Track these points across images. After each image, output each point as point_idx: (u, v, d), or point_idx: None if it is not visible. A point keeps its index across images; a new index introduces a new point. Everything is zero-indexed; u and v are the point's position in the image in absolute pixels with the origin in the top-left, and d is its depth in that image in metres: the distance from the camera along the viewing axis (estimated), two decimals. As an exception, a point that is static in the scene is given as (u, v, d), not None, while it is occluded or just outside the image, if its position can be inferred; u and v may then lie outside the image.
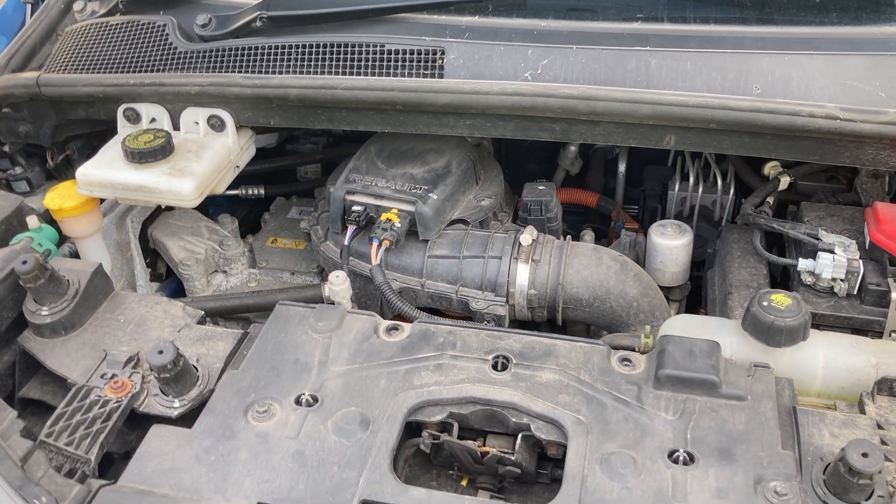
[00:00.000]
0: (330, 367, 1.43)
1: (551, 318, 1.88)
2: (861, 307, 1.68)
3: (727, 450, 1.25)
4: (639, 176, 2.50)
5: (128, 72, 2.00)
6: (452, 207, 1.94)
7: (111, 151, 1.95)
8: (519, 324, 1.90)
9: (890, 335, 1.65)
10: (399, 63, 1.85)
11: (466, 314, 1.89)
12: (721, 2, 1.92)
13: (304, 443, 1.29)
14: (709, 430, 1.28)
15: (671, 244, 1.99)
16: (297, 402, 1.36)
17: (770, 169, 2.05)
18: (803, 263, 1.73)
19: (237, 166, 2.04)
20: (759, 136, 1.70)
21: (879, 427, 1.30)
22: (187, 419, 1.38)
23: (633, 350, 1.51)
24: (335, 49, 1.89)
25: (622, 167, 2.41)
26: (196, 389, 1.42)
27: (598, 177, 2.51)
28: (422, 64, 1.84)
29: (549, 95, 1.72)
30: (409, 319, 1.70)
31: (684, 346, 1.39)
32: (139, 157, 1.87)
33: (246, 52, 1.94)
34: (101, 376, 1.44)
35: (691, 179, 2.25)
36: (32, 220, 1.86)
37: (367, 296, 1.96)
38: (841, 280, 1.69)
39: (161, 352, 1.35)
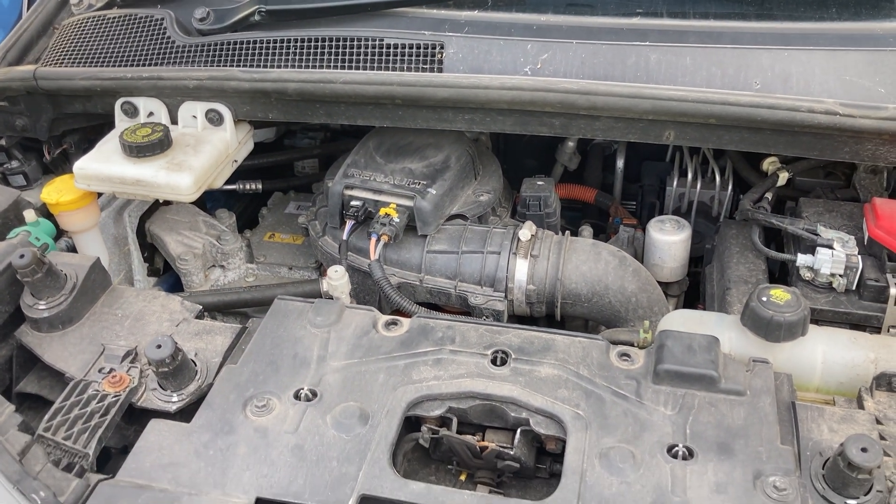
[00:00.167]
0: (329, 361, 1.43)
1: (550, 313, 1.88)
2: (859, 302, 1.68)
3: (726, 445, 1.25)
4: (637, 172, 2.50)
5: (125, 65, 2.00)
6: (451, 202, 1.94)
7: (109, 145, 1.94)
8: (517, 319, 1.90)
9: (888, 330, 1.65)
10: (398, 57, 1.85)
11: (465, 309, 1.89)
12: (720, -3, 1.92)
13: (303, 437, 1.29)
14: (708, 425, 1.28)
15: (670, 240, 1.99)
16: (296, 396, 1.36)
17: (769, 164, 2.05)
18: (802, 259, 1.73)
19: (235, 161, 2.03)
20: (758, 132, 1.70)
21: (878, 422, 1.30)
22: (186, 414, 1.37)
23: (632, 345, 1.51)
24: (334, 43, 1.89)
25: (620, 163, 2.41)
26: (194, 384, 1.42)
27: (597, 172, 2.51)
28: (421, 58, 1.84)
29: (549, 90, 1.72)
30: (407, 314, 1.70)
31: (683, 342, 1.39)
32: (137, 151, 1.86)
33: (244, 46, 1.94)
34: (99, 371, 1.44)
35: (689, 175, 2.25)
36: (30, 214, 1.85)
37: (366, 291, 1.96)
38: (839, 275, 1.69)
39: (159, 346, 1.35)
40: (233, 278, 2.18)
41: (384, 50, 1.86)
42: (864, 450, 1.12)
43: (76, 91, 2.01)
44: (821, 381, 1.49)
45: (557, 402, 1.32)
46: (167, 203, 2.26)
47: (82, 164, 1.89)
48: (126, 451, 1.30)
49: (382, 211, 1.85)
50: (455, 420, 1.34)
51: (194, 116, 1.97)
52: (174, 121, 2.00)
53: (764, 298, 1.46)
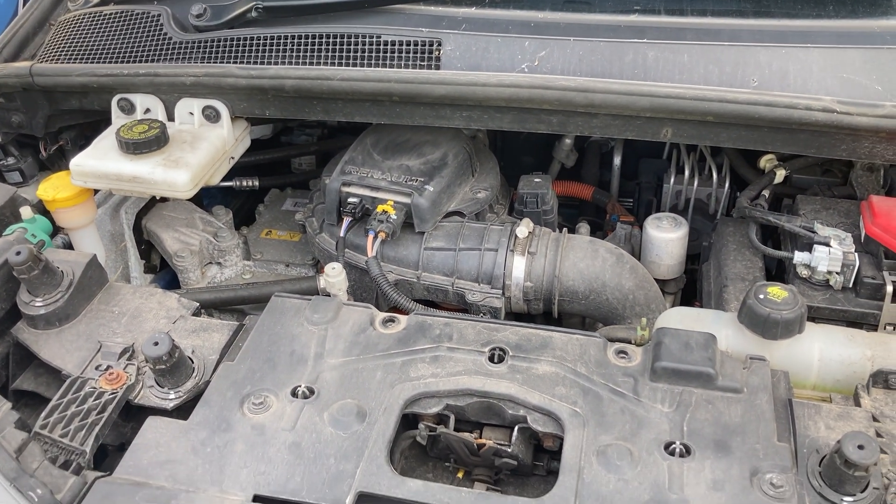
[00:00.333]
0: (326, 358, 1.42)
1: (547, 310, 1.88)
2: (856, 300, 1.68)
3: (723, 442, 1.25)
4: (634, 169, 2.50)
5: (122, 62, 1.99)
6: (448, 199, 1.93)
7: (105, 142, 1.94)
8: (515, 316, 1.90)
9: (885, 328, 1.65)
10: (395, 54, 1.84)
11: (462, 306, 1.89)
12: (718, -6, 1.92)
13: (300, 435, 1.29)
14: (705, 423, 1.29)
15: (667, 237, 1.99)
16: (294, 393, 1.36)
17: (766, 162, 2.05)
18: (799, 256, 1.73)
19: (232, 157, 2.02)
20: (755, 129, 1.70)
21: (874, 419, 1.31)
22: (183, 411, 1.37)
23: (630, 342, 1.51)
24: (331, 40, 1.89)
25: (617, 160, 2.41)
26: (191, 381, 1.41)
27: (594, 170, 2.51)
28: (418, 55, 1.84)
29: (547, 87, 1.71)
30: (405, 311, 1.70)
31: (681, 339, 1.39)
32: (134, 147, 1.86)
33: (241, 42, 1.93)
34: (96, 368, 1.44)
35: (686, 172, 2.25)
36: (26, 211, 1.85)
37: (363, 288, 1.96)
38: (836, 273, 1.69)
39: (156, 343, 1.35)
40: (229, 275, 2.18)
41: (381, 47, 1.86)
42: (860, 447, 1.12)
43: (72, 87, 2.00)
44: (817, 378, 1.49)
45: (555, 400, 1.32)
46: (164, 200, 2.26)
47: (79, 161, 1.88)
48: (123, 449, 1.30)
49: (380, 208, 1.84)
50: (452, 417, 1.34)
51: (191, 113, 1.97)
52: (171, 117, 1.99)
53: (761, 296, 1.47)
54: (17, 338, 1.55)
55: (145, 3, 2.07)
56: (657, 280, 1.95)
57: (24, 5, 2.29)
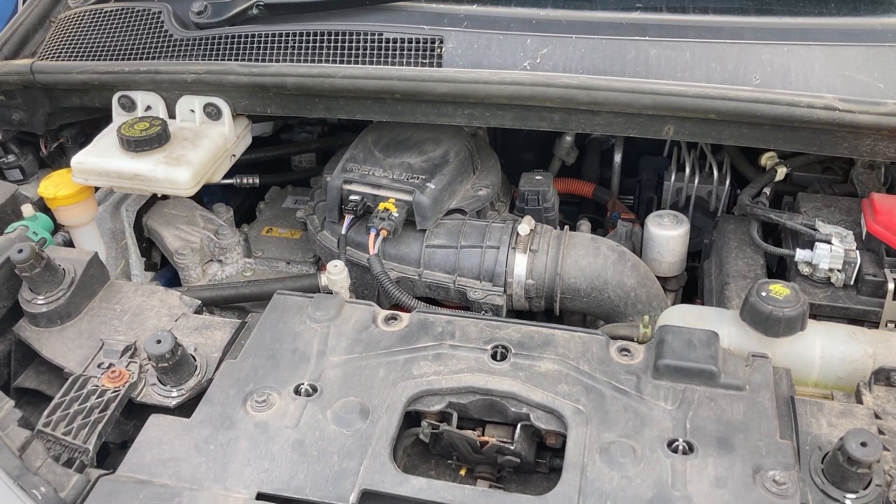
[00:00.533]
0: (328, 356, 1.42)
1: (549, 307, 1.88)
2: (858, 297, 1.68)
3: (726, 439, 1.26)
4: (634, 166, 2.50)
5: (123, 59, 1.99)
6: (450, 197, 1.93)
7: (106, 140, 1.93)
8: (516, 314, 1.90)
9: (886, 325, 1.66)
10: (397, 52, 1.84)
11: (464, 304, 1.89)
12: (720, -8, 1.92)
13: (303, 432, 1.29)
14: (707, 420, 1.29)
15: (668, 234, 1.99)
16: (296, 391, 1.36)
17: (767, 159, 2.05)
18: (800, 254, 1.73)
19: (233, 155, 2.02)
20: (757, 127, 1.70)
21: (876, 416, 1.31)
22: (185, 409, 1.37)
23: (632, 340, 1.51)
24: (333, 37, 1.88)
25: (618, 157, 2.41)
26: (194, 379, 1.41)
27: (594, 167, 2.51)
28: (420, 53, 1.83)
29: (549, 85, 1.71)
30: (407, 309, 1.70)
31: (683, 336, 1.40)
32: (135, 145, 1.85)
33: (242, 39, 1.93)
34: (98, 366, 1.44)
35: (687, 170, 2.25)
36: (27, 209, 1.84)
37: (365, 286, 1.96)
38: (838, 270, 1.69)
39: (159, 341, 1.35)
40: (230, 273, 2.18)
41: (383, 44, 1.86)
42: (863, 444, 1.13)
43: (73, 85, 2.00)
44: (819, 375, 1.49)
45: (558, 397, 1.32)
46: (164, 197, 2.25)
47: (80, 159, 1.88)
48: (125, 447, 1.30)
49: (381, 205, 1.84)
50: (455, 415, 1.34)
51: (192, 111, 1.97)
52: (172, 115, 1.99)
53: (763, 293, 1.47)
54: (19, 336, 1.55)
55: (146, 0, 2.07)
56: (658, 277, 1.95)
57: (23, 3, 2.28)
